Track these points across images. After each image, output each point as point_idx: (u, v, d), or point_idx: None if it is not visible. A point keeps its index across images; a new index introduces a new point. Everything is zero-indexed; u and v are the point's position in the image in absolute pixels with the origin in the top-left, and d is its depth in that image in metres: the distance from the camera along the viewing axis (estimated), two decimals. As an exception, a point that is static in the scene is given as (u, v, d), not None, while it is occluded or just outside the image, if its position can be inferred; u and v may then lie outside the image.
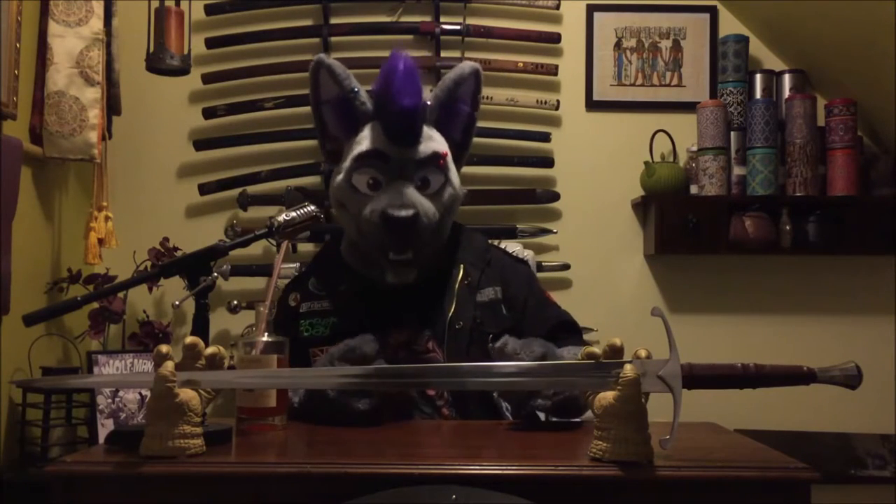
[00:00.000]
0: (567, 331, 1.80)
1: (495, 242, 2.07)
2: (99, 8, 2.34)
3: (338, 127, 1.82)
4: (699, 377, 1.25)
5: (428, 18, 2.83)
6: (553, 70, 2.83)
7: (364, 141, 1.75)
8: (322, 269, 1.86)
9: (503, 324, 1.76)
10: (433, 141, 1.76)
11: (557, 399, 1.49)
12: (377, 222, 1.68)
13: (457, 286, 1.76)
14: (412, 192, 1.71)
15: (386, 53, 1.89)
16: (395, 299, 1.75)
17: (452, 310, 1.73)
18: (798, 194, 2.71)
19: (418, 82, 1.70)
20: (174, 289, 2.61)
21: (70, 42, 2.28)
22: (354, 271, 1.81)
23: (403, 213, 1.66)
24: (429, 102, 1.78)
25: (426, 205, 1.71)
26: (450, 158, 1.78)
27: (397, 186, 1.71)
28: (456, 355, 1.68)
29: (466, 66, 1.82)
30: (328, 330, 1.74)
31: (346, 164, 1.76)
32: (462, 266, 1.79)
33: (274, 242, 1.58)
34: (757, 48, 2.89)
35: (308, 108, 2.76)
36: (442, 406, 1.68)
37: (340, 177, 1.77)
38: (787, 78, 2.84)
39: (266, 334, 1.48)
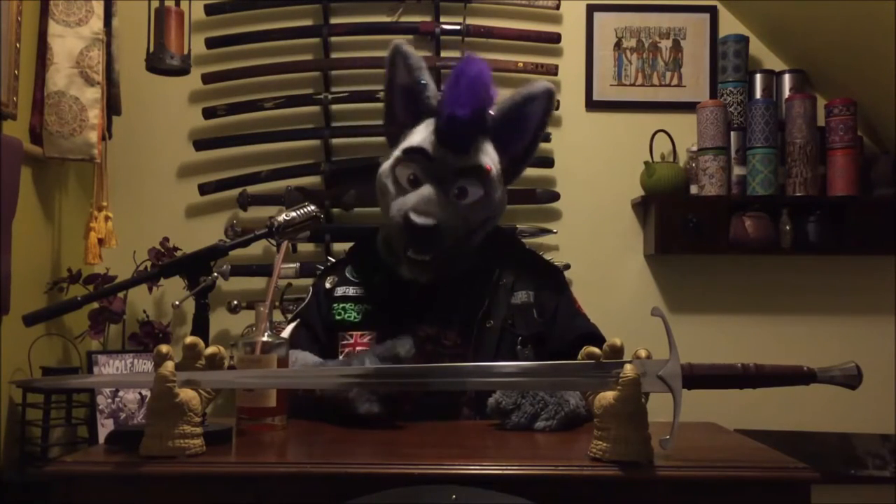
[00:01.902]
0: (590, 343, 1.80)
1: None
2: (99, 8, 2.34)
3: (404, 113, 1.84)
4: (699, 377, 1.25)
5: (428, 18, 2.83)
6: (553, 70, 2.83)
7: (417, 135, 1.78)
8: (359, 258, 1.89)
9: (534, 328, 1.77)
10: (482, 154, 1.75)
11: (559, 418, 1.49)
12: (399, 222, 1.71)
13: (492, 286, 1.77)
14: (441, 199, 1.71)
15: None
16: (427, 292, 1.77)
17: (485, 308, 1.74)
18: (798, 194, 2.71)
19: (481, 94, 1.70)
20: (174, 289, 2.61)
21: (70, 42, 2.28)
22: (387, 262, 1.82)
23: (423, 220, 1.67)
24: (492, 114, 1.76)
25: (450, 215, 1.71)
26: (495, 175, 1.76)
27: (431, 189, 1.72)
28: (483, 354, 1.69)
29: (540, 85, 1.79)
30: (360, 316, 1.77)
31: (396, 152, 1.79)
32: (498, 268, 1.80)
33: (274, 242, 1.58)
34: (757, 48, 2.89)
35: (308, 108, 2.82)
36: (462, 405, 1.68)
37: (388, 163, 1.80)
38: (787, 78, 2.84)
39: (266, 334, 1.48)
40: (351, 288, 1.82)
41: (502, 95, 1.81)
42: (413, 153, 1.76)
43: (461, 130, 1.72)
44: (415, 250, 1.72)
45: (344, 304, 1.80)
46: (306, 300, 1.90)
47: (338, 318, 1.79)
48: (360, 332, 1.74)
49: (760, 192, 2.71)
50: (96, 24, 2.33)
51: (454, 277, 1.78)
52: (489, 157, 1.77)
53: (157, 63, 2.40)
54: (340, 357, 1.74)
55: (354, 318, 1.78)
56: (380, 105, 2.62)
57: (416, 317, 1.74)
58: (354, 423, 1.51)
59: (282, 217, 1.55)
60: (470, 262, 1.81)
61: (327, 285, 1.86)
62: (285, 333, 1.80)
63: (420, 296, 1.76)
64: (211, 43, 2.80)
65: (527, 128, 1.81)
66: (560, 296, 1.85)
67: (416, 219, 1.68)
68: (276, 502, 1.18)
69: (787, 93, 2.81)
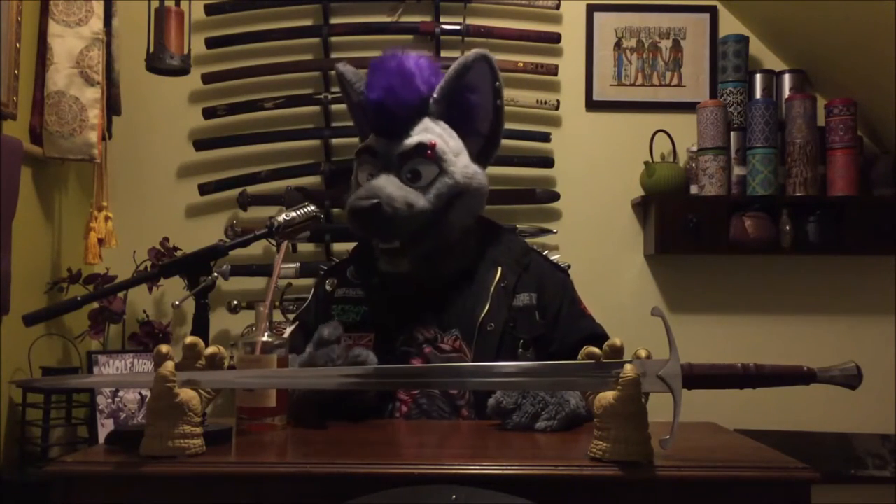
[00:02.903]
0: (596, 344, 1.79)
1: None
2: (99, 8, 2.34)
3: (364, 126, 1.89)
4: (699, 377, 1.25)
5: (428, 18, 2.83)
6: (553, 70, 2.83)
7: (368, 139, 1.82)
8: (361, 259, 1.88)
9: (536, 330, 1.76)
10: (425, 132, 1.75)
11: (560, 418, 1.49)
12: (348, 215, 1.73)
13: (492, 288, 1.76)
14: (386, 183, 1.71)
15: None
16: (427, 295, 1.76)
17: (486, 311, 1.73)
18: (798, 194, 2.71)
19: (393, 76, 1.71)
20: (174, 289, 2.61)
21: (70, 42, 2.28)
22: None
23: (363, 203, 1.67)
24: (434, 96, 1.78)
25: (394, 193, 1.69)
26: (444, 149, 1.75)
27: (376, 179, 1.74)
28: (484, 356, 1.67)
29: (471, 53, 1.78)
30: (359, 317, 1.77)
31: (354, 162, 1.83)
32: (499, 268, 1.79)
33: (274, 242, 1.58)
34: (757, 48, 2.89)
35: (308, 108, 2.83)
36: (462, 406, 1.68)
37: (353, 175, 1.84)
38: (787, 78, 2.84)
39: (266, 334, 1.48)
40: (351, 290, 1.82)
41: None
42: (361, 153, 1.80)
43: (382, 113, 1.74)
44: (378, 238, 1.73)
45: (343, 306, 1.80)
46: (307, 302, 1.90)
47: (337, 319, 1.78)
48: (358, 334, 1.74)
49: (760, 192, 2.71)
50: (96, 24, 2.33)
51: (453, 277, 1.78)
52: (432, 134, 1.76)
53: (157, 63, 2.40)
54: None
55: (354, 319, 1.77)
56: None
57: (416, 319, 1.73)
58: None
59: (282, 217, 1.55)
60: (468, 261, 1.81)
61: (328, 287, 1.86)
62: (285, 336, 1.80)
63: (419, 298, 1.76)
64: (211, 43, 2.80)
65: (477, 100, 1.80)
66: (563, 297, 1.83)
67: (356, 203, 1.68)
68: (276, 502, 1.18)
69: (787, 93, 2.81)
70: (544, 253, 1.96)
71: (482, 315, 1.73)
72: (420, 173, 1.74)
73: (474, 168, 1.80)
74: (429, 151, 1.73)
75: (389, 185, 1.70)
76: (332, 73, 2.78)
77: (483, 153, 1.83)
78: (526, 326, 1.75)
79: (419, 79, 1.74)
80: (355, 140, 2.77)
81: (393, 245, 1.72)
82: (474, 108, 1.81)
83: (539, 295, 1.80)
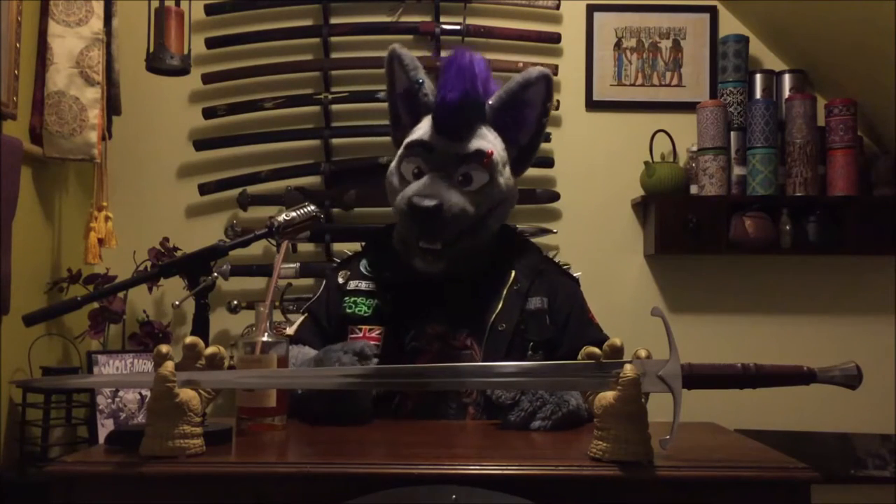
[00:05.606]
0: None
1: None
2: (99, 8, 2.34)
3: (407, 117, 1.90)
4: (699, 377, 1.26)
5: (428, 18, 2.83)
6: (553, 70, 2.81)
7: (418, 130, 1.82)
8: (375, 252, 1.90)
9: (546, 333, 1.78)
10: (483, 139, 1.79)
11: (556, 418, 1.50)
12: (404, 209, 1.74)
13: (506, 290, 1.78)
14: (444, 185, 1.74)
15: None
16: (439, 292, 1.78)
17: (498, 311, 1.75)
18: (798, 194, 2.71)
19: (470, 80, 1.73)
20: (174, 289, 2.61)
21: (70, 42, 2.28)
22: (403, 259, 1.83)
23: (426, 202, 1.70)
24: (490, 102, 1.81)
25: (455, 198, 1.73)
26: (497, 159, 1.79)
27: (433, 178, 1.75)
28: (493, 356, 1.69)
29: (535, 70, 1.83)
30: (370, 310, 1.78)
31: (400, 151, 1.84)
32: (513, 271, 1.82)
33: (274, 242, 1.58)
34: (757, 48, 2.89)
35: (308, 108, 2.82)
36: (469, 404, 1.68)
37: (394, 163, 1.85)
38: (787, 78, 2.84)
39: (266, 334, 1.48)
40: (363, 282, 1.83)
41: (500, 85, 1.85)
42: (414, 147, 1.80)
43: (454, 115, 1.75)
44: (424, 238, 1.74)
45: (355, 298, 1.81)
46: (318, 293, 1.91)
47: (348, 311, 1.79)
48: (368, 327, 1.75)
49: (760, 192, 2.71)
50: (96, 24, 2.32)
51: (468, 277, 1.79)
52: (489, 143, 1.79)
53: (157, 63, 2.40)
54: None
55: (364, 311, 1.78)
56: (380, 105, 2.63)
57: (427, 316, 1.75)
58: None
59: (282, 217, 1.55)
60: (484, 263, 1.82)
61: (340, 279, 1.87)
62: (294, 326, 1.81)
63: (432, 294, 1.77)
64: (211, 43, 2.80)
65: (528, 115, 1.84)
66: (574, 305, 1.86)
67: (419, 201, 1.70)
68: (276, 502, 1.19)
69: (787, 93, 2.81)
70: (566, 266, 1.99)
71: (494, 315, 1.74)
72: (472, 178, 1.77)
73: (515, 184, 1.86)
74: (486, 160, 1.77)
75: (450, 190, 1.74)
76: (333, 72, 2.81)
77: (517, 162, 1.87)
78: (537, 329, 1.77)
79: (481, 81, 1.77)
80: (355, 140, 2.81)
81: (435, 246, 1.74)
82: (523, 121, 1.85)
83: (551, 300, 1.82)
